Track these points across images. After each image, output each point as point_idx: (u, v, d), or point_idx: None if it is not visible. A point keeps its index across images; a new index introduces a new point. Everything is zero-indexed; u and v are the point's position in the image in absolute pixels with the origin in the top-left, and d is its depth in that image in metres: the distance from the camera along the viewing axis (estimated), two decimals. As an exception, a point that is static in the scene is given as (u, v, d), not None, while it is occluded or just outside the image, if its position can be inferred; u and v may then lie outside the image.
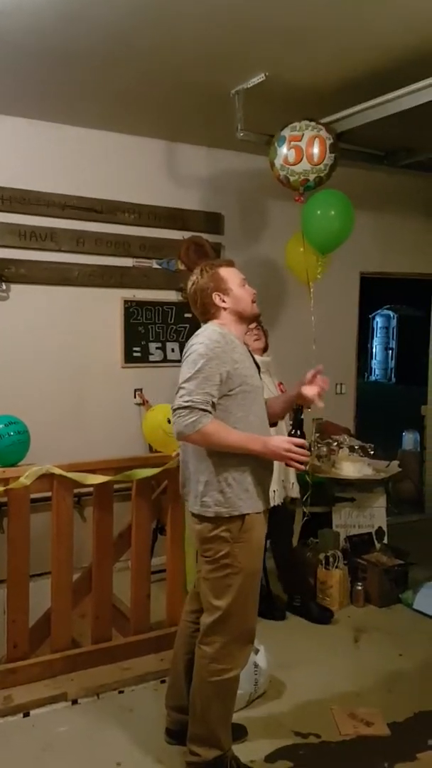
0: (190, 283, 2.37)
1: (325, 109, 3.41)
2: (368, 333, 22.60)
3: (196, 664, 2.32)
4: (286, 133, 3.37)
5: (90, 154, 4.03)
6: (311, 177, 3.36)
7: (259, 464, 2.26)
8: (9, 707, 2.69)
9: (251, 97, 3.40)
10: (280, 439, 2.19)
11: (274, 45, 2.93)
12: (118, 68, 3.17)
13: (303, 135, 3.33)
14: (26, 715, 2.70)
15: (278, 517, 3.51)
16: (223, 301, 2.31)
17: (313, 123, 3.33)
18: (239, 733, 2.56)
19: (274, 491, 3.42)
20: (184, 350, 2.27)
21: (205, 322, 2.35)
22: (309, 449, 2.31)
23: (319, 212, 3.64)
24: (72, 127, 3.96)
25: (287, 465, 2.22)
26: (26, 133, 3.85)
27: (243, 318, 2.36)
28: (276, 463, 3.36)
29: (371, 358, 23.04)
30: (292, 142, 3.36)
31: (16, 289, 3.87)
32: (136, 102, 3.62)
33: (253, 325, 3.51)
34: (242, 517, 2.20)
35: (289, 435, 2.28)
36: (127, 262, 4.19)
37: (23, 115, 3.80)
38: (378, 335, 22.89)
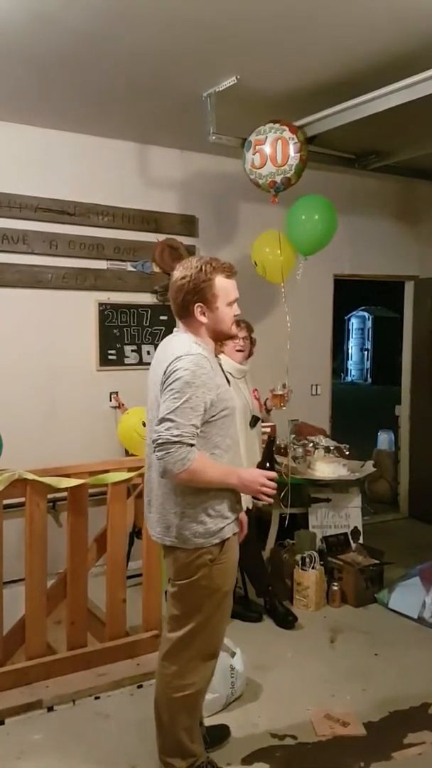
0: (180, 275, 2.13)
1: (297, 112, 3.42)
2: (344, 334, 22.78)
3: (159, 679, 2.28)
4: (252, 137, 3.41)
5: (63, 156, 4.00)
6: (278, 179, 3.37)
7: (232, 497, 2.20)
8: (-18, 716, 2.65)
9: (223, 100, 3.41)
10: (254, 474, 2.16)
11: (246, 48, 2.94)
12: (90, 70, 3.15)
13: (266, 138, 3.35)
14: (1, 723, 2.66)
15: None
16: (203, 315, 2.14)
17: (277, 125, 3.34)
18: (222, 733, 2.57)
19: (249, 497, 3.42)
20: (164, 367, 2.08)
21: (179, 319, 2.20)
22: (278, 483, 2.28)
23: (303, 216, 3.68)
24: (44, 129, 3.93)
25: (255, 498, 2.22)
26: (-2, 135, 3.81)
27: (215, 336, 2.22)
28: (246, 466, 3.38)
29: (347, 359, 23.22)
30: (257, 146, 3.39)
31: (-12, 292, 3.83)
32: (108, 104, 3.61)
33: (241, 334, 3.48)
34: (222, 542, 2.16)
35: (260, 466, 2.29)
36: (101, 264, 4.16)
37: (-6, 117, 3.76)
38: (354, 336, 23.09)
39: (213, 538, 2.12)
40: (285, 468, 3.96)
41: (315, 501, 4.20)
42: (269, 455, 2.34)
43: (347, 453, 4.44)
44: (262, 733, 2.65)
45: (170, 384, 2.03)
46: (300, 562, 3.82)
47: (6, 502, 2.88)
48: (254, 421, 3.49)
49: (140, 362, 4.32)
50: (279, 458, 4.07)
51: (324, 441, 4.51)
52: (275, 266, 3.79)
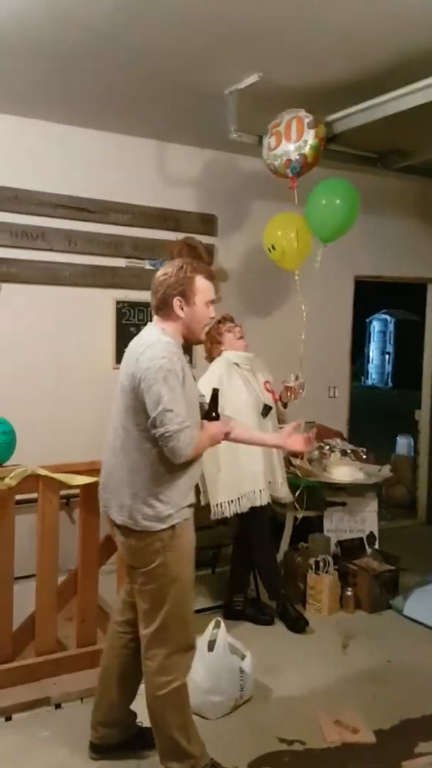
0: (162, 272, 2.28)
1: (319, 110, 3.38)
2: (365, 337, 22.60)
3: (144, 680, 2.30)
4: (270, 124, 3.37)
5: (83, 154, 4.00)
6: (293, 156, 3.29)
7: (190, 470, 2.25)
8: (-9, 711, 2.66)
9: (245, 98, 3.38)
10: (215, 428, 2.32)
11: (268, 46, 2.91)
12: (110, 68, 3.15)
13: (282, 120, 3.32)
14: (8, 719, 2.67)
15: (260, 518, 3.48)
16: (182, 310, 2.25)
17: (293, 109, 3.29)
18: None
19: (261, 491, 3.39)
20: (135, 357, 2.17)
21: (156, 313, 2.31)
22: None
23: (324, 201, 3.52)
24: (66, 126, 3.93)
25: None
26: (19, 131, 3.82)
27: (187, 335, 2.32)
28: (262, 464, 3.36)
29: (368, 362, 23.03)
30: (273, 129, 3.35)
31: (6, 288, 3.84)
32: (129, 102, 3.61)
33: (233, 324, 3.55)
34: (173, 527, 2.19)
35: (209, 417, 2.35)
36: (120, 262, 4.16)
37: (16, 113, 3.77)
38: (375, 339, 22.89)
39: (161, 523, 2.17)
40: (299, 469, 3.93)
41: (330, 504, 4.15)
42: (215, 405, 2.38)
43: (364, 457, 4.38)
44: (270, 738, 2.62)
45: (154, 374, 2.10)
46: (313, 566, 3.77)
47: (18, 497, 2.88)
48: (266, 410, 3.45)
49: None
50: (293, 459, 4.04)
51: (341, 444, 4.47)
52: (291, 250, 3.66)
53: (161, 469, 2.18)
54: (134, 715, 2.52)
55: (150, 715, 2.28)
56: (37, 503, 2.89)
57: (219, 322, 3.57)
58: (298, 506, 3.69)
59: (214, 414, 2.36)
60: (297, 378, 3.55)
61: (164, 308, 2.27)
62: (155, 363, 2.11)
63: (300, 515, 3.78)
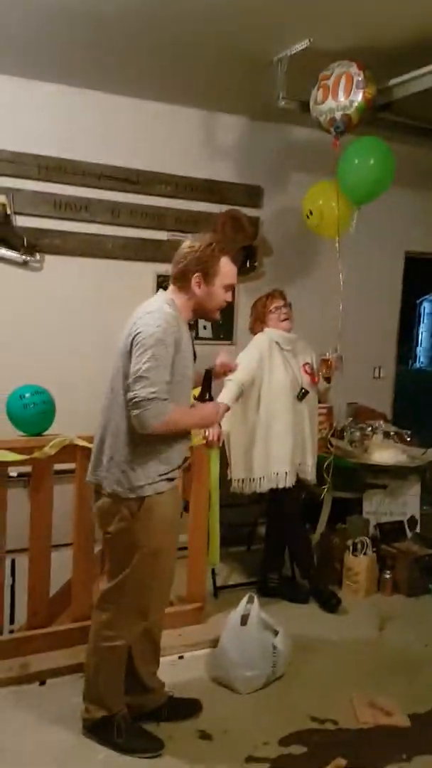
0: (189, 244, 2.25)
1: (372, 77, 3.25)
2: (414, 318, 22.11)
3: (91, 626, 2.38)
4: (320, 74, 3.23)
5: (127, 123, 3.95)
6: (337, 115, 3.15)
7: (175, 440, 2.24)
8: (25, 675, 2.71)
9: (294, 65, 3.27)
10: (208, 409, 2.32)
11: (319, 10, 2.80)
12: (157, 35, 3.08)
13: (332, 72, 3.17)
14: (42, 683, 2.72)
15: (287, 498, 3.43)
16: (198, 286, 2.23)
17: (346, 61, 3.13)
18: (188, 709, 2.56)
19: (286, 473, 3.35)
20: (133, 321, 2.19)
21: (173, 283, 2.29)
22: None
23: (357, 161, 3.35)
24: (109, 95, 3.88)
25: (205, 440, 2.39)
26: (63, 100, 3.79)
27: (200, 313, 2.32)
28: (291, 445, 3.31)
29: (417, 344, 22.55)
30: (322, 81, 3.21)
31: (49, 260, 3.85)
32: (174, 70, 3.53)
33: (281, 303, 3.44)
34: (142, 498, 2.18)
35: (203, 399, 2.33)
36: (162, 235, 4.11)
37: (60, 81, 3.74)
38: (425, 321, 22.37)
39: (131, 492, 2.18)
40: (337, 449, 3.86)
41: (370, 486, 4.07)
42: (208, 386, 2.35)
43: (408, 439, 4.27)
44: (302, 716, 2.60)
45: (142, 339, 2.10)
46: (351, 548, 3.71)
47: (57, 467, 2.91)
48: (302, 394, 3.39)
49: (197, 337, 4.26)
50: (334, 440, 3.96)
51: (384, 426, 4.36)
52: (329, 216, 3.54)
53: (138, 438, 2.16)
54: (162, 684, 2.54)
55: (86, 662, 2.39)
56: (75, 473, 2.91)
57: (267, 297, 3.49)
58: (330, 487, 3.61)
59: (207, 396, 2.32)
60: (335, 350, 3.45)
61: (182, 280, 2.26)
62: (148, 330, 2.10)
63: (325, 493, 3.70)
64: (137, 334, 2.12)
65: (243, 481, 3.42)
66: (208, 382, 2.35)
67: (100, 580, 2.64)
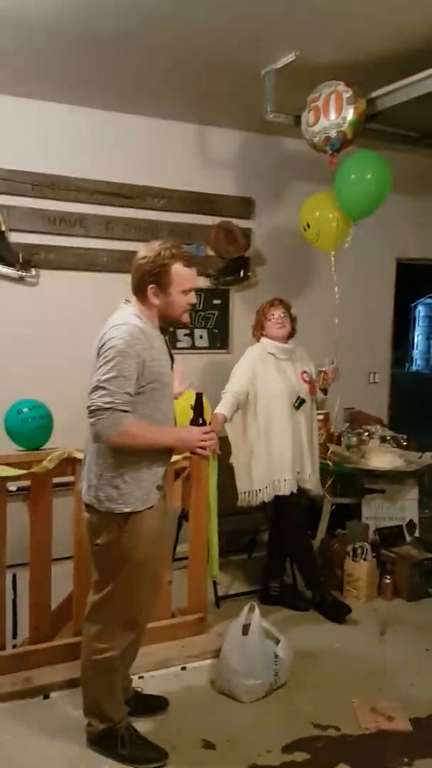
0: (141, 255, 2.24)
1: (359, 88, 3.29)
2: (409, 322, 22.16)
3: (82, 640, 2.41)
4: (308, 98, 3.28)
5: (119, 139, 4.00)
6: (331, 133, 3.19)
7: (157, 459, 2.26)
8: (29, 688, 2.72)
9: (282, 77, 3.32)
10: (191, 432, 2.25)
11: (305, 23, 2.85)
12: (147, 50, 3.13)
13: (320, 94, 3.22)
14: (46, 697, 2.73)
15: (287, 507, 3.44)
16: (155, 297, 2.23)
17: (332, 81, 3.19)
18: (157, 704, 2.65)
19: (285, 480, 3.37)
20: (101, 335, 2.20)
21: (134, 295, 2.28)
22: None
23: (353, 176, 3.38)
24: (102, 111, 3.93)
25: (192, 453, 2.28)
26: (55, 117, 3.84)
27: (166, 321, 2.32)
28: (291, 453, 3.33)
29: (413, 347, 22.59)
30: (312, 104, 3.26)
31: (45, 275, 3.89)
32: (164, 84, 3.58)
33: (279, 312, 3.46)
34: (131, 513, 2.21)
35: (193, 423, 2.30)
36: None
37: (52, 99, 3.79)
38: (420, 324, 22.42)
39: (124, 505, 2.20)
40: (334, 456, 3.88)
41: (369, 492, 4.10)
42: (200, 410, 2.32)
43: (405, 444, 4.30)
44: (305, 723, 2.61)
45: (105, 351, 2.12)
46: (351, 553, 3.74)
47: (56, 480, 2.93)
48: (299, 402, 3.41)
49: (192, 346, 4.31)
50: (331, 446, 3.98)
51: (380, 430, 4.39)
52: (327, 229, 3.56)
53: (124, 454, 2.18)
54: (130, 680, 2.63)
55: (81, 674, 2.42)
56: (74, 486, 2.93)
57: (268, 304, 3.52)
58: (328, 495, 3.65)
59: (200, 420, 2.31)
60: (332, 363, 3.49)
61: (140, 293, 2.26)
62: (111, 342, 2.12)
63: (333, 501, 3.73)
64: (101, 346, 2.16)
65: (248, 493, 3.43)
66: (199, 406, 2.33)
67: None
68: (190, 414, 3.13)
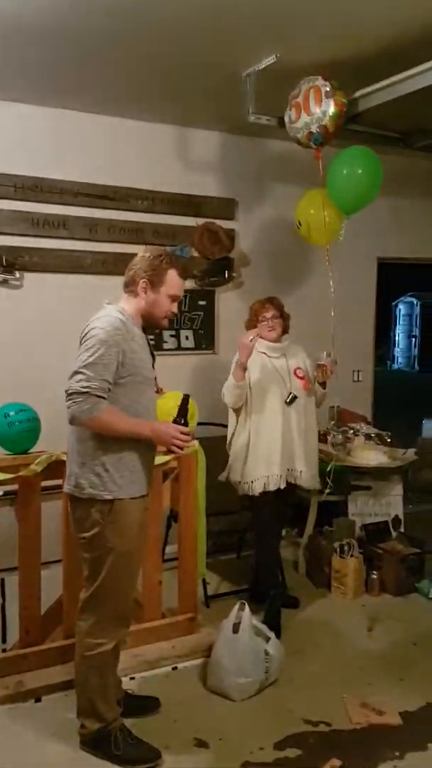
0: (142, 253, 2.39)
1: (340, 89, 3.33)
2: (391, 320, 22.32)
3: (75, 638, 2.42)
4: (289, 95, 3.32)
5: (102, 141, 4.00)
6: (313, 128, 3.24)
7: (140, 449, 2.32)
8: (20, 692, 2.71)
9: (263, 79, 3.34)
10: (168, 427, 2.29)
11: (286, 24, 2.87)
12: (127, 52, 3.13)
13: (300, 90, 3.27)
14: (38, 700, 2.73)
15: (258, 506, 3.43)
16: (145, 292, 2.34)
17: (311, 77, 3.23)
18: (149, 704, 2.66)
19: (273, 476, 3.35)
20: (83, 330, 2.28)
21: (124, 290, 2.40)
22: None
23: (345, 171, 3.41)
24: (84, 113, 3.93)
25: (168, 450, 2.34)
26: (37, 120, 3.83)
27: (148, 320, 2.40)
28: (280, 450, 3.35)
29: (394, 346, 22.75)
30: (292, 101, 3.31)
31: (29, 277, 3.88)
32: (146, 86, 3.58)
33: (269, 314, 3.47)
34: (113, 501, 2.26)
35: (174, 422, 2.33)
36: (141, 249, 4.13)
37: (34, 102, 3.78)
38: (401, 323, 22.59)
39: (105, 492, 2.24)
40: (320, 452, 3.90)
41: (355, 488, 4.14)
42: (183, 412, 2.36)
43: (389, 440, 4.35)
44: (296, 719, 2.64)
45: (86, 340, 2.22)
46: (338, 550, 3.77)
47: (44, 484, 2.92)
48: (292, 399, 3.43)
49: (179, 347, 4.32)
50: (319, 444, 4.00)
51: (365, 428, 4.44)
52: (320, 226, 3.58)
53: (106, 441, 2.24)
54: (119, 680, 2.62)
55: (75, 672, 2.43)
56: (62, 489, 2.92)
57: (261, 305, 3.52)
58: (323, 491, 3.66)
59: (182, 421, 2.34)
60: (329, 355, 3.49)
61: (131, 286, 2.37)
62: (93, 332, 2.21)
63: (321, 498, 3.75)
64: (83, 336, 2.26)
65: (238, 483, 3.44)
66: (183, 407, 2.37)
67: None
68: (174, 414, 3.14)
